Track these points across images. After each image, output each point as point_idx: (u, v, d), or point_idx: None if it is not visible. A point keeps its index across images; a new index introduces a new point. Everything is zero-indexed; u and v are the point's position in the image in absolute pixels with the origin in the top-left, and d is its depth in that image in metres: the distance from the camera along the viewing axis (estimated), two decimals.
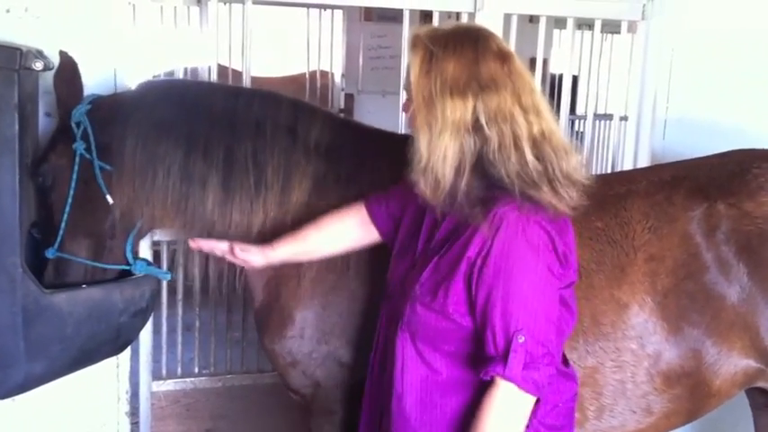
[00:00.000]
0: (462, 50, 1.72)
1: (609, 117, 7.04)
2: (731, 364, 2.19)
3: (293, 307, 2.34)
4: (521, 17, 3.33)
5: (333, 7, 6.95)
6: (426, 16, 6.42)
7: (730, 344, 2.18)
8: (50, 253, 2.33)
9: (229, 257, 2.25)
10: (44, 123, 2.60)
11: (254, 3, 3.15)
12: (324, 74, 7.28)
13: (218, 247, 2.26)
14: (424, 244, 1.87)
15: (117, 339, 2.48)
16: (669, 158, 3.21)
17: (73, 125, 2.31)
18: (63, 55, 2.33)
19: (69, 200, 2.29)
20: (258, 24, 3.30)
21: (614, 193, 2.32)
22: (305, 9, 6.93)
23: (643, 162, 3.39)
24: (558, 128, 1.79)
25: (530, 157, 1.70)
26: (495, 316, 1.68)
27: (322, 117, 2.47)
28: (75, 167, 2.29)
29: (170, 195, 2.28)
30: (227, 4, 6.16)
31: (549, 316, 1.71)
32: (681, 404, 2.23)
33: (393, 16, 7.36)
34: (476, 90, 1.69)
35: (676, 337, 2.18)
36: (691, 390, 2.21)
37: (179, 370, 4.13)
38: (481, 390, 1.73)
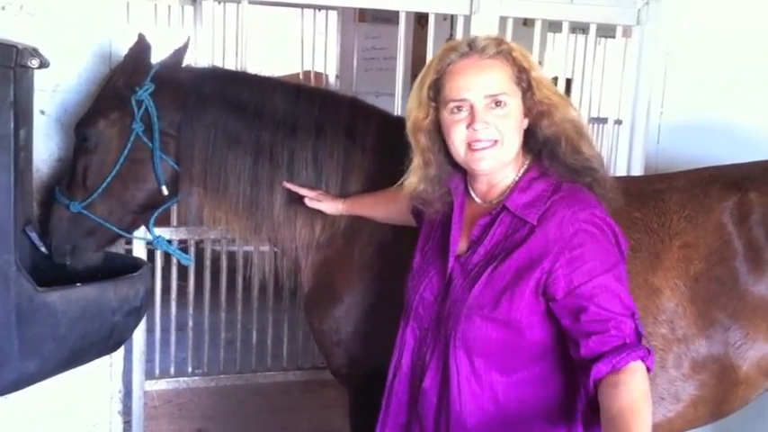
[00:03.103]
0: None
1: (603, 121, 7.07)
2: (757, 348, 2.23)
3: (343, 289, 2.47)
4: (516, 20, 3.34)
5: (327, 8, 6.94)
6: (421, 18, 6.44)
7: (756, 327, 2.22)
8: (75, 207, 2.41)
9: (308, 203, 2.43)
10: (39, 121, 2.60)
11: (249, 2, 3.15)
12: (317, 75, 7.27)
13: (303, 191, 2.44)
14: (455, 259, 1.85)
15: (110, 338, 2.47)
16: (663, 163, 3.23)
17: (133, 102, 2.36)
18: (141, 35, 2.43)
19: (113, 173, 2.39)
20: (252, 24, 3.29)
21: (654, 189, 2.42)
22: (299, 9, 6.92)
23: (637, 166, 3.40)
24: None
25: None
26: (613, 306, 1.68)
27: (378, 117, 2.58)
28: (129, 146, 2.38)
29: (241, 200, 2.45)
30: (222, 4, 6.15)
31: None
32: (708, 391, 2.26)
33: (387, 17, 7.35)
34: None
35: (705, 321, 2.22)
36: (717, 376, 2.25)
37: (172, 369, 4.12)
38: (551, 397, 1.75)
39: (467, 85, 1.77)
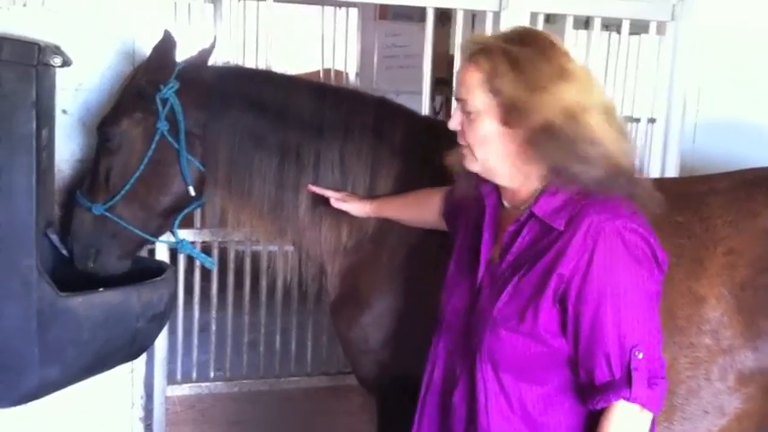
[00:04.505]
0: None
1: (636, 120, 6.94)
2: None
3: (372, 296, 2.40)
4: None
5: (348, 5, 6.90)
6: (442, 15, 6.38)
7: None
8: (98, 209, 2.36)
9: (334, 203, 2.36)
10: (61, 121, 2.57)
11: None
12: (338, 73, 7.23)
13: (328, 193, 2.37)
14: (486, 267, 1.77)
15: (133, 344, 2.43)
16: (699, 163, 3.16)
17: (158, 101, 2.31)
18: (166, 31, 2.38)
19: (137, 173, 2.34)
20: (272, 21, 3.23)
21: (695, 191, 2.33)
22: (319, 7, 6.89)
23: (672, 166, 3.33)
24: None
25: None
26: (607, 336, 1.58)
27: (405, 117, 2.52)
28: (153, 145, 2.33)
29: (266, 203, 2.39)
30: (242, 1, 6.12)
31: (659, 327, 1.64)
32: (754, 405, 2.17)
33: (408, 15, 7.31)
34: None
35: (751, 331, 2.13)
36: (764, 389, 2.16)
37: (194, 374, 4.07)
38: (588, 416, 1.67)
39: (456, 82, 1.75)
